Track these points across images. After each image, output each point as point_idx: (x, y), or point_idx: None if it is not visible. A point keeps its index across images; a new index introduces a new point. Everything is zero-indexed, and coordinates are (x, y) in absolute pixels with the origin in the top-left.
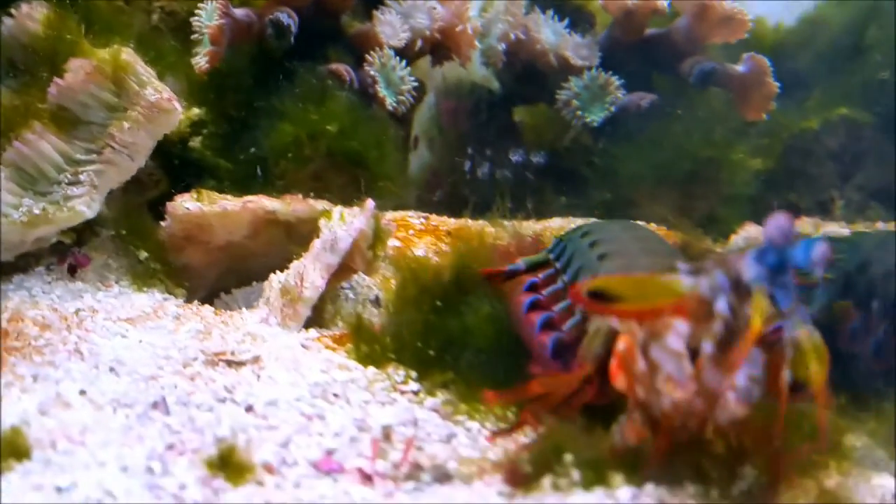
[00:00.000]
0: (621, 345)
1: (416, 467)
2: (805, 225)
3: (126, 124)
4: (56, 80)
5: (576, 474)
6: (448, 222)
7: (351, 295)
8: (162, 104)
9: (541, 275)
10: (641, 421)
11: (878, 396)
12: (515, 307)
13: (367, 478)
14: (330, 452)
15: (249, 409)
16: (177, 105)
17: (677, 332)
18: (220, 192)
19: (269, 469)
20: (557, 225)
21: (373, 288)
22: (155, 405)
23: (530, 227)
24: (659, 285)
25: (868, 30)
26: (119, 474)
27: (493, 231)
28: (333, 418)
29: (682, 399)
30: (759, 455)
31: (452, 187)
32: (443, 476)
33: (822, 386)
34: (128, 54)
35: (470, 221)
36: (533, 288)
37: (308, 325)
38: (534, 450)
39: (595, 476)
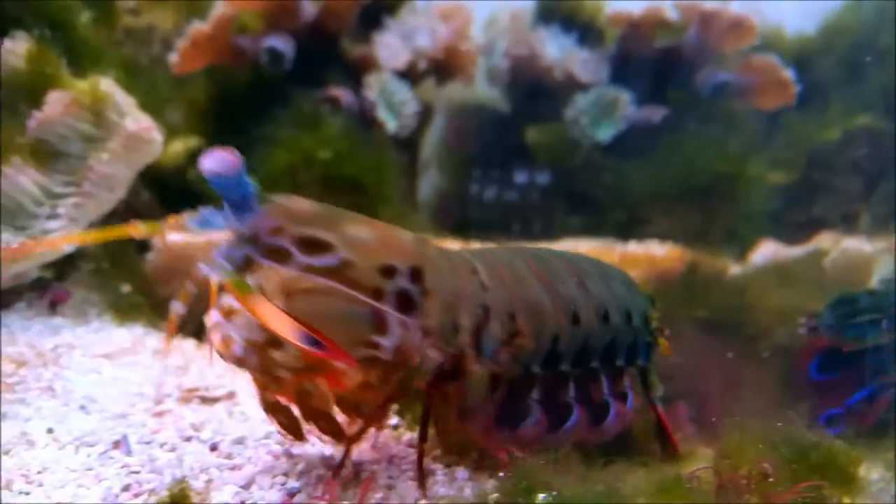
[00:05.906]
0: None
1: None
2: (825, 241)
3: (104, 156)
4: (35, 113)
5: None
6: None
7: None
8: (141, 134)
9: None
10: None
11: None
12: None
13: None
14: (292, 494)
15: (214, 447)
16: (156, 135)
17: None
18: None
19: None
20: (568, 247)
21: None
22: (116, 444)
23: None
24: None
25: (881, 33)
26: None
27: None
28: (303, 456)
29: None
30: None
31: (461, 210)
32: None
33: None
34: (107, 85)
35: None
36: None
37: None
38: None
39: None
